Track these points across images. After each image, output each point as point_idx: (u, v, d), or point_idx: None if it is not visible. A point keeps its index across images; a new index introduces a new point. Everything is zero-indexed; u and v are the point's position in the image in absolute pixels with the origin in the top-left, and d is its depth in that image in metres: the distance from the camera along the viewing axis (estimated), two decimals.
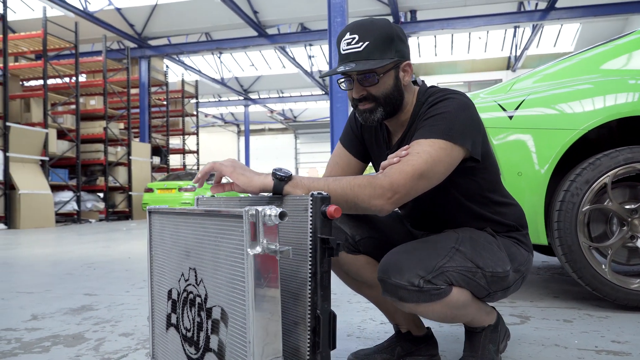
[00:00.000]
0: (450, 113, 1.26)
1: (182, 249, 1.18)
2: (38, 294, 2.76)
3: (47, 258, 4.52)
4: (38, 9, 15.07)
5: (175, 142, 18.17)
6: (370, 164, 1.56)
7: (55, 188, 11.29)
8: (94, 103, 14.04)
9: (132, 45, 15.81)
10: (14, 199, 9.80)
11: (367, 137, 1.51)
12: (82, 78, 15.01)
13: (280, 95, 25.82)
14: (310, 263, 0.98)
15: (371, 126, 1.47)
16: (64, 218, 11.83)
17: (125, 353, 1.67)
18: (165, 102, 16.69)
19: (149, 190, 12.60)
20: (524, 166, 2.20)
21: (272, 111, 27.42)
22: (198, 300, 1.10)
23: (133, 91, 15.39)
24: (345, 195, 1.14)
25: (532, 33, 15.83)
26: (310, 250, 0.98)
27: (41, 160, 10.71)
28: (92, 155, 13.23)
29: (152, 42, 16.32)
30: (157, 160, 15.84)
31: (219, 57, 20.24)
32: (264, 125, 30.93)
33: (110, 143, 13.36)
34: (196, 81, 18.53)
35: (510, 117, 2.26)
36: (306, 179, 1.16)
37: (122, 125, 14.61)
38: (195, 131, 18.56)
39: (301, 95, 25.26)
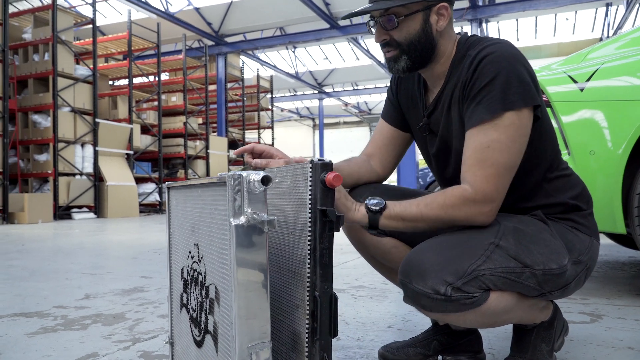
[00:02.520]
0: (500, 75, 1.06)
1: (189, 224, 1.11)
2: (99, 276, 2.86)
3: (122, 244, 4.73)
4: (126, 12, 16.00)
5: (251, 136, 18.63)
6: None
7: (139, 180, 11.94)
8: (175, 99, 14.67)
9: (209, 42, 16.34)
10: (103, 190, 10.45)
11: (403, 101, 1.35)
12: (165, 76, 15.77)
13: (355, 87, 25.64)
14: (309, 238, 0.87)
15: (407, 87, 1.32)
16: (148, 208, 12.48)
17: (157, 334, 1.64)
18: (241, 97, 17.11)
19: None
20: (597, 145, 1.94)
21: (346, 104, 27.33)
22: (200, 278, 1.02)
23: (211, 87, 15.92)
24: (440, 221, 1.07)
25: (627, 10, 14.49)
26: (309, 225, 0.87)
27: (126, 154, 11.35)
28: (173, 149, 13.85)
29: (229, 39, 16.78)
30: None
31: (294, 52, 20.44)
32: (339, 118, 30.94)
33: (190, 137, 13.92)
34: (271, 76, 18.84)
35: (582, 90, 2.00)
36: (398, 205, 1.07)
37: (200, 120, 15.17)
38: (271, 125, 18.90)
39: (376, 87, 24.92)
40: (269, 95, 18.91)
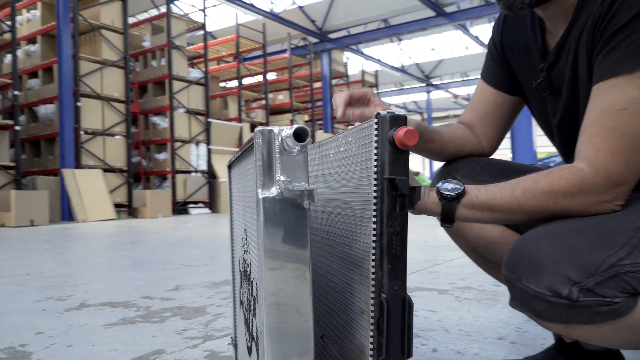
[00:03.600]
0: None
1: (242, 205, 0.93)
2: (195, 267, 2.84)
3: (227, 237, 4.79)
4: (239, 17, 16.70)
5: None
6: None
7: None
8: (282, 98, 15.00)
9: (314, 40, 16.46)
10: (216, 186, 10.92)
11: (511, 54, 1.04)
12: (272, 75, 16.20)
13: (464, 78, 24.45)
14: (374, 220, 0.64)
15: (517, 34, 1.01)
16: None
17: (230, 332, 1.50)
18: None
19: None
20: None
21: (456, 96, 26.17)
22: (248, 271, 0.83)
23: (316, 84, 16.05)
24: (545, 212, 0.78)
25: None
26: (374, 201, 0.64)
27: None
28: None
29: (332, 35, 16.78)
30: None
31: (398, 44, 19.96)
32: (448, 111, 29.76)
33: None
34: (376, 71, 18.56)
35: None
36: (483, 191, 0.80)
37: (306, 117, 15.36)
38: None
39: None
40: (375, 90, 18.66)
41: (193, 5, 14.63)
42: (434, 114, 28.63)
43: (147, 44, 10.76)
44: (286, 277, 0.59)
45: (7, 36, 7.67)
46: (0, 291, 2.20)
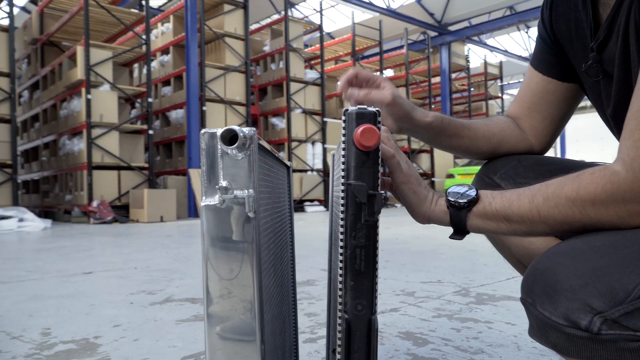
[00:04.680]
0: None
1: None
2: None
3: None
4: (355, 15, 16.87)
5: None
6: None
7: None
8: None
9: (432, 33, 15.99)
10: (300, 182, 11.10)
11: (562, 36, 0.87)
12: (390, 73, 16.03)
13: None
14: (341, 230, 0.56)
15: (567, 11, 0.83)
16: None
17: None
18: (467, 87, 16.32)
19: (450, 176, 12.49)
20: None
21: None
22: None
23: (435, 79, 15.57)
24: (571, 223, 0.64)
25: None
26: (342, 211, 0.56)
27: None
28: (399, 143, 13.95)
29: (452, 28, 16.15)
30: None
31: (526, 32, 18.60)
32: (584, 102, 27.07)
33: None
34: (500, 62, 17.51)
35: None
36: (499, 197, 0.68)
37: None
38: (501, 114, 17.59)
39: None
40: (498, 83, 17.62)
41: (314, 9, 15.02)
42: None
43: (267, 48, 11.25)
44: (229, 295, 0.54)
45: (144, 49, 8.50)
46: (103, 283, 2.42)
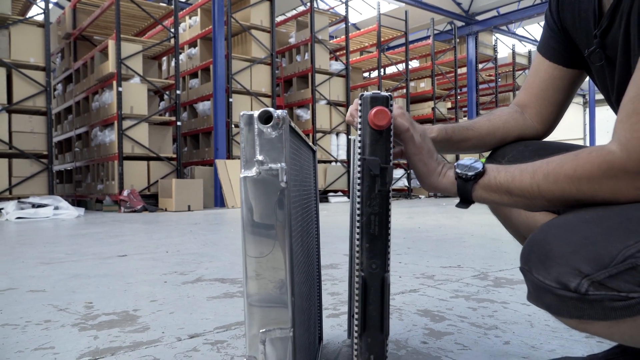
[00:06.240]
0: None
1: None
2: None
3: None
4: (381, 6, 16.82)
5: None
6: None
7: None
8: (423, 85, 14.70)
9: (459, 23, 15.82)
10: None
11: (569, 21, 0.93)
12: (415, 63, 15.95)
13: None
14: (358, 200, 0.65)
15: (574, 0, 0.90)
16: (398, 193, 12.84)
17: None
18: (494, 78, 16.12)
19: None
20: None
21: None
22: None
23: (461, 70, 15.43)
24: (568, 198, 0.71)
25: None
26: (358, 182, 0.65)
27: None
28: None
29: (480, 17, 15.95)
30: None
31: None
32: None
33: (439, 122, 13.76)
34: (529, 51, 17.21)
35: None
36: (503, 172, 0.75)
37: (449, 105, 14.86)
38: None
39: None
40: (526, 73, 17.33)
41: (340, 0, 15.03)
42: (598, 96, 25.61)
43: (292, 40, 11.34)
44: (264, 253, 0.63)
45: (172, 42, 8.69)
46: (139, 265, 2.56)
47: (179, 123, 8.47)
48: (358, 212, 0.64)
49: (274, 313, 0.63)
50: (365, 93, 0.64)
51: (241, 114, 0.62)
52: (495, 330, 1.35)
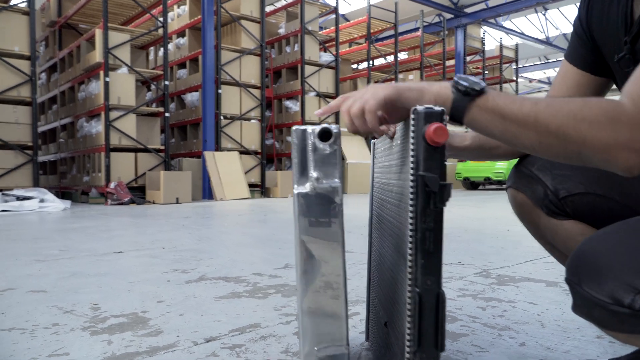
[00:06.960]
0: None
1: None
2: None
3: (349, 217, 4.91)
4: None
5: None
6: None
7: None
8: (412, 78, 14.73)
9: (448, 15, 15.84)
10: (344, 167, 11.19)
11: (597, 28, 0.93)
12: (404, 55, 15.95)
13: None
14: (411, 215, 0.64)
15: (603, 5, 0.90)
16: None
17: None
18: (481, 70, 16.20)
19: (462, 160, 12.53)
20: None
21: None
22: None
23: (449, 62, 15.47)
24: (559, 136, 0.66)
25: None
26: (411, 197, 0.64)
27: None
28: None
29: (468, 10, 15.98)
30: None
31: (544, 14, 18.35)
32: None
33: None
34: (516, 44, 17.33)
35: None
36: (505, 96, 0.70)
37: None
38: None
39: None
40: (513, 66, 17.46)
41: None
42: None
43: (282, 31, 11.25)
44: (320, 269, 0.62)
45: (161, 31, 8.55)
46: (137, 262, 2.52)
47: (167, 114, 8.38)
48: (411, 227, 0.63)
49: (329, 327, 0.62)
50: (419, 107, 0.63)
51: (293, 129, 0.61)
52: (508, 331, 1.36)
